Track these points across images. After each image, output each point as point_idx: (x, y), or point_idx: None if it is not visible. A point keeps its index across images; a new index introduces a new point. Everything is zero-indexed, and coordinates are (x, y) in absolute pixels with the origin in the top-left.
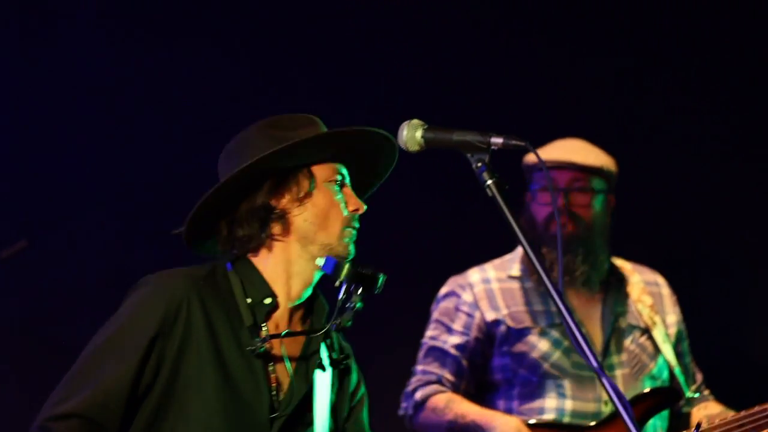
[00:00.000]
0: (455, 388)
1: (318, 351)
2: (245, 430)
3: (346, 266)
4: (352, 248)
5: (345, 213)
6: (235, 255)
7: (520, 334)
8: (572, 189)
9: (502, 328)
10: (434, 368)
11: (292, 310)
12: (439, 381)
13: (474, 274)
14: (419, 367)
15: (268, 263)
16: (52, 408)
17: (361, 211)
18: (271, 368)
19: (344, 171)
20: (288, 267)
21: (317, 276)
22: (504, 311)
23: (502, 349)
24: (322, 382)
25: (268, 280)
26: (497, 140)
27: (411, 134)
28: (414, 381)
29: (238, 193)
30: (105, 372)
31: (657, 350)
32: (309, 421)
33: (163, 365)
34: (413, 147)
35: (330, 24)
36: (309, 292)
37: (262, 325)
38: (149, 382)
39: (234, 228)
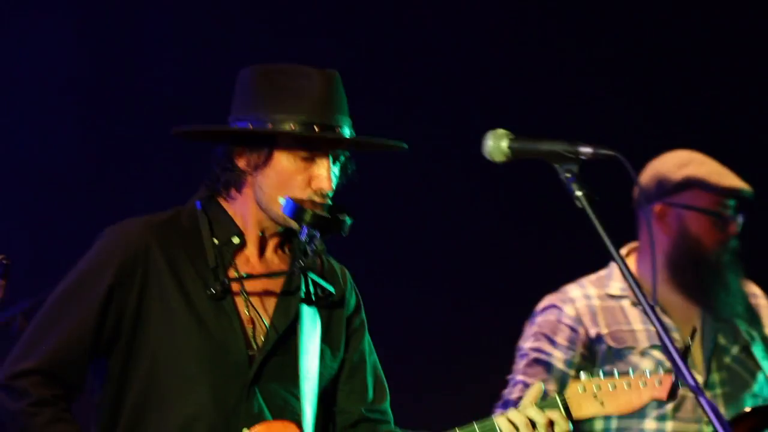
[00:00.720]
0: None
1: (299, 286)
2: (223, 371)
3: (307, 211)
4: (305, 222)
5: (303, 189)
6: (206, 194)
7: (621, 354)
8: (737, 218)
9: (603, 347)
10: (540, 380)
11: (265, 247)
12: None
13: (574, 290)
14: (520, 377)
15: (237, 205)
16: (14, 364)
17: (324, 191)
18: (244, 307)
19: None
20: (256, 210)
21: None
22: (605, 330)
23: (603, 369)
24: (309, 318)
25: (237, 219)
26: (586, 150)
27: (496, 144)
28: (517, 391)
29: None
30: (64, 326)
31: (757, 366)
32: (293, 359)
33: (125, 316)
34: (498, 157)
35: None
36: (279, 228)
37: (230, 265)
38: (112, 334)
39: (211, 159)
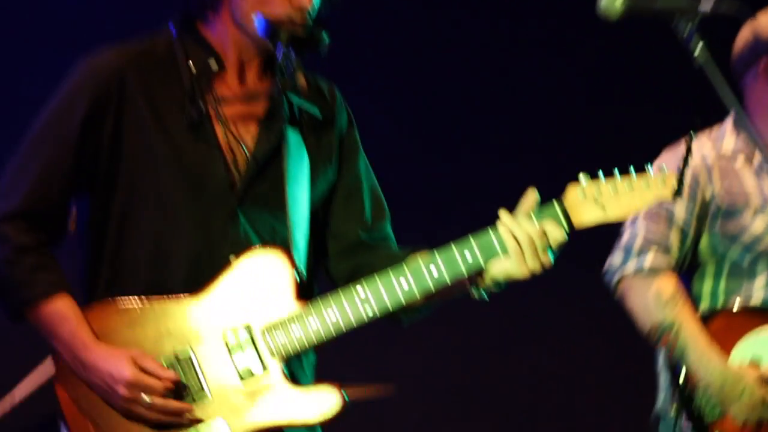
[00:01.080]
0: (677, 263)
1: (282, 110)
2: (204, 198)
3: (281, 29)
4: (280, 41)
5: (281, 6)
6: (180, 18)
7: (731, 214)
8: None
9: (713, 206)
10: (662, 228)
11: (245, 72)
12: (667, 248)
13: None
14: (640, 226)
15: (213, 28)
16: None
17: (305, 7)
18: (223, 133)
19: None
20: (233, 32)
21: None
22: (718, 190)
23: (711, 229)
24: (294, 141)
25: (215, 44)
26: (707, 5)
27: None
28: (639, 236)
29: None
30: (41, 163)
31: None
32: (279, 185)
33: (101, 147)
34: (613, 13)
35: None
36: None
37: (207, 90)
38: (89, 167)
39: None
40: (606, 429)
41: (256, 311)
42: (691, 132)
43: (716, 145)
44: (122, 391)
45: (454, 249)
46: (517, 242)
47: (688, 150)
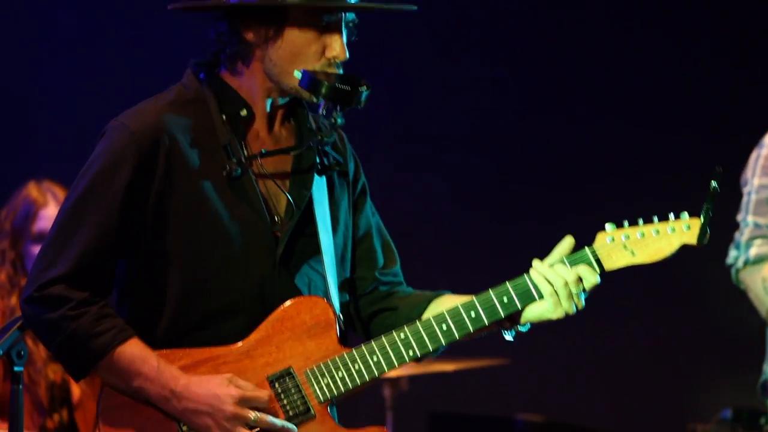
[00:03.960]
0: None
1: (311, 159)
2: (252, 253)
3: (324, 83)
4: (323, 95)
5: (316, 60)
6: (206, 68)
7: None
8: None
9: None
10: (767, 219)
11: (272, 120)
12: None
13: None
14: (750, 218)
15: (242, 78)
16: (40, 275)
17: (340, 60)
18: (261, 184)
19: (335, 15)
20: (264, 82)
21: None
22: None
23: None
24: (319, 189)
25: (243, 94)
26: None
27: None
28: (747, 232)
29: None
30: (87, 231)
31: None
32: (313, 233)
33: (146, 212)
34: None
35: None
36: (286, 99)
37: (242, 140)
38: (136, 228)
39: (212, 28)
40: None
41: (300, 356)
42: (717, 171)
43: None
44: (230, 408)
45: (492, 295)
46: (552, 287)
47: (714, 192)
